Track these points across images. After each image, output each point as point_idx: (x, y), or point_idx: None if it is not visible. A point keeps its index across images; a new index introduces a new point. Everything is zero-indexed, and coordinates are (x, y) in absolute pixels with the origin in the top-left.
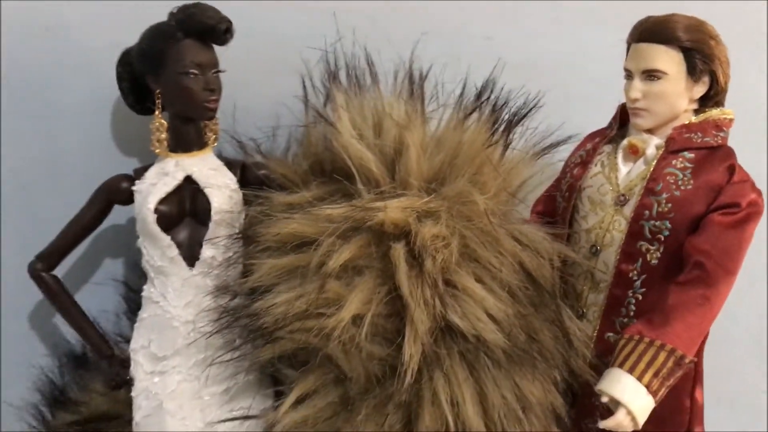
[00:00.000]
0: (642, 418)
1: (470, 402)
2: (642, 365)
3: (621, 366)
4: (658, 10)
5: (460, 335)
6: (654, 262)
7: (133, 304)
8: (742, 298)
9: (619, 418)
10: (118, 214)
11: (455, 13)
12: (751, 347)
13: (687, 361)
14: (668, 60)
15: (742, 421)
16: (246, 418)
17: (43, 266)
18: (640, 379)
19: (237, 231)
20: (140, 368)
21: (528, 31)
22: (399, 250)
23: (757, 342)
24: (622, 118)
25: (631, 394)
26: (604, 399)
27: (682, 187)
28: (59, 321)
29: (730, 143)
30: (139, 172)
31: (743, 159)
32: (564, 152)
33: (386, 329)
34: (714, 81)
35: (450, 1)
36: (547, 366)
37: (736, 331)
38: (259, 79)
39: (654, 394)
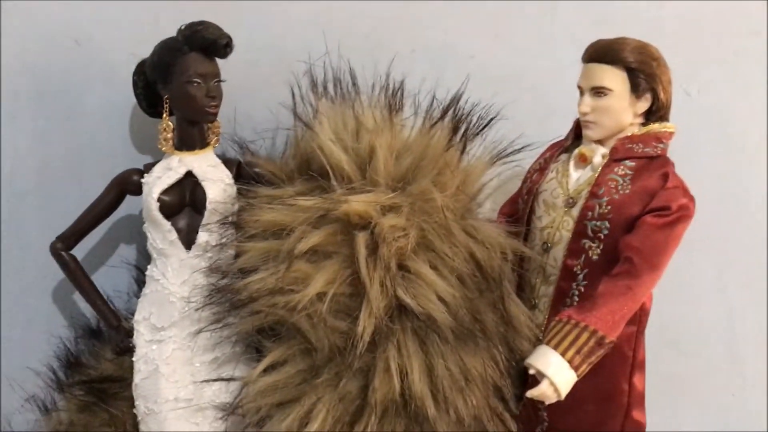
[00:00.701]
0: (564, 390)
1: (418, 372)
2: (566, 343)
3: (548, 343)
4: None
5: (412, 314)
6: (595, 257)
7: (143, 285)
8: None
9: (543, 387)
10: (132, 205)
11: (440, 34)
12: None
13: (607, 341)
14: (613, 78)
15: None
16: (228, 380)
17: (62, 246)
18: (563, 355)
19: (227, 219)
20: (141, 337)
21: (507, 50)
22: (361, 238)
23: None
24: (577, 131)
25: (554, 367)
26: (531, 371)
27: (621, 192)
28: (78, 298)
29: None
30: (148, 167)
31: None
32: (526, 159)
33: (348, 306)
34: (655, 98)
35: (437, 23)
36: (489, 344)
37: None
38: (256, 88)
39: (576, 368)
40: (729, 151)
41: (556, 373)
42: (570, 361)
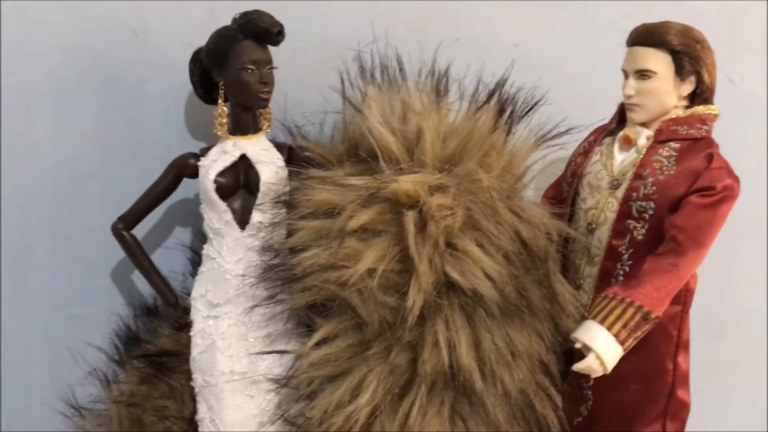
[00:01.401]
0: (610, 363)
1: (465, 346)
2: (612, 318)
3: (594, 318)
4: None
5: (460, 290)
6: (639, 237)
7: (197, 266)
8: None
9: (589, 361)
10: (187, 189)
11: (484, 23)
12: None
13: (653, 316)
14: (658, 61)
15: None
16: (282, 353)
17: (123, 226)
18: (609, 329)
19: (282, 199)
20: (198, 313)
21: (550, 39)
22: (410, 216)
23: None
24: (621, 115)
25: (600, 341)
26: (578, 345)
27: (666, 172)
28: (135, 278)
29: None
30: (204, 151)
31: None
32: (569, 143)
33: (397, 283)
34: (700, 81)
35: (480, 12)
36: (535, 320)
37: None
38: (308, 75)
39: (622, 343)
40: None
41: (603, 347)
42: (616, 335)
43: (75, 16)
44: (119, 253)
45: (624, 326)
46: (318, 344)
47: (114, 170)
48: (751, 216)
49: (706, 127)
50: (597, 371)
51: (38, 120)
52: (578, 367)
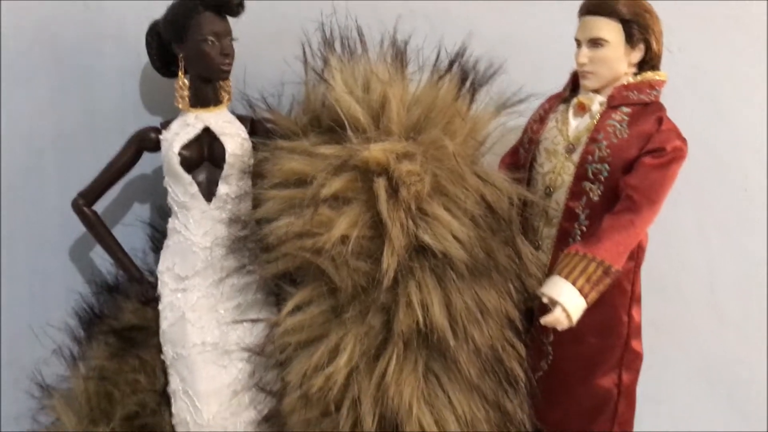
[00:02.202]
0: (575, 316)
1: (437, 305)
2: (576, 273)
3: (559, 274)
4: None
5: (430, 252)
6: (595, 198)
7: (157, 243)
8: None
9: (556, 314)
10: (144, 164)
11: None
12: None
13: (614, 270)
14: (609, 30)
15: None
16: (255, 321)
17: (84, 201)
18: (574, 283)
19: (247, 170)
20: (166, 287)
21: (499, 10)
22: (380, 183)
23: None
24: (574, 82)
25: (566, 295)
26: (545, 300)
27: (619, 136)
28: (95, 255)
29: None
30: (165, 125)
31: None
32: (526, 111)
33: (370, 248)
34: (648, 48)
35: None
36: (502, 279)
37: None
38: (266, 47)
39: (586, 296)
40: (707, 108)
41: (568, 300)
42: (580, 289)
43: None
44: (77, 230)
45: (587, 280)
46: (292, 311)
47: (70, 146)
48: (686, 178)
49: (655, 92)
50: (563, 324)
51: None
52: (546, 320)
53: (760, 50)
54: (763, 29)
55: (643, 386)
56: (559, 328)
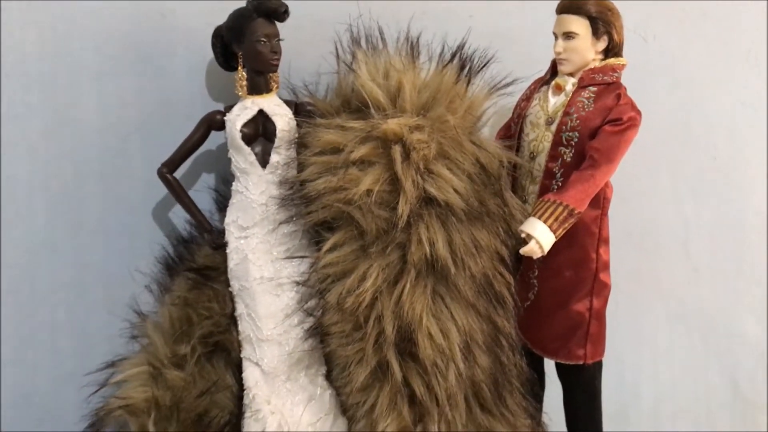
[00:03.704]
0: (546, 246)
1: (441, 242)
2: (547, 214)
3: (534, 215)
4: None
5: (436, 202)
6: (568, 160)
7: (221, 204)
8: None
9: (531, 245)
10: (210, 143)
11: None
12: None
13: (576, 212)
14: (579, 25)
15: None
16: (301, 257)
17: (167, 170)
18: (545, 222)
19: (293, 142)
20: (232, 235)
21: (493, 11)
22: (396, 149)
23: None
24: (553, 68)
25: (539, 231)
26: (523, 235)
27: (587, 110)
28: (172, 215)
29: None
30: (227, 109)
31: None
32: (514, 93)
33: (388, 199)
34: (611, 39)
35: None
36: (492, 222)
37: None
38: (306, 45)
39: (554, 232)
40: (679, 89)
41: (541, 235)
42: (550, 227)
43: (114, 4)
44: (158, 195)
45: (555, 219)
46: (329, 250)
47: (150, 129)
48: (662, 150)
49: (616, 74)
50: (537, 253)
51: (87, 90)
52: (524, 250)
53: (726, 38)
54: (731, 20)
55: (626, 330)
56: (534, 257)
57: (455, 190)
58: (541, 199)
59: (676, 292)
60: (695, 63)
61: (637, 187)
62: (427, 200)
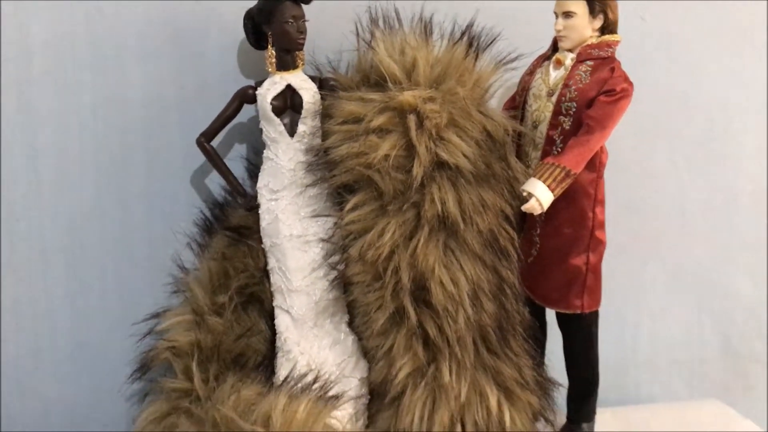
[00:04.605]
0: (546, 204)
1: (452, 201)
2: (546, 175)
3: (535, 176)
4: None
5: (446, 165)
6: (567, 127)
7: (251, 171)
8: None
9: (532, 203)
10: (241, 115)
11: None
12: None
13: (572, 173)
14: (577, 5)
15: None
16: (326, 216)
17: (204, 139)
18: (544, 182)
19: (318, 113)
20: (263, 197)
21: None
22: (411, 118)
23: None
24: (554, 45)
25: (539, 189)
26: (524, 194)
27: (584, 82)
28: (209, 181)
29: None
30: (258, 84)
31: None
32: (519, 68)
33: (404, 163)
34: (606, 17)
35: None
36: (497, 183)
37: None
38: (329, 25)
39: (553, 191)
40: (675, 65)
41: (541, 193)
42: (549, 186)
43: None
44: (195, 164)
45: (553, 180)
46: (351, 210)
47: (188, 104)
48: (660, 120)
49: (611, 50)
50: (537, 210)
51: (130, 69)
52: (525, 207)
53: (719, 15)
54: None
55: (625, 289)
56: (535, 213)
57: (464, 155)
58: (541, 162)
59: (672, 254)
60: (690, 40)
61: (636, 156)
62: (439, 164)
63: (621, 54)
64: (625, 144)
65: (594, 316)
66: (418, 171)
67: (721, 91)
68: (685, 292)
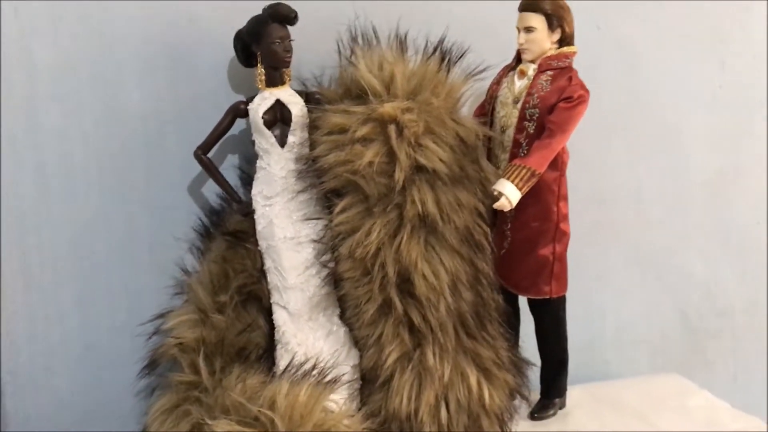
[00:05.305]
0: (515, 201)
1: (430, 202)
2: (513, 175)
3: (504, 176)
4: None
5: (425, 169)
6: (531, 131)
7: (245, 180)
8: None
9: (502, 201)
10: (234, 128)
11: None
12: None
13: (537, 173)
14: (537, 21)
15: None
16: (317, 219)
17: (201, 152)
18: (512, 182)
19: (306, 125)
20: (258, 204)
21: (468, 10)
22: (392, 128)
23: None
24: (518, 57)
25: (508, 189)
26: (495, 193)
27: (545, 90)
28: (204, 190)
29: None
30: (249, 99)
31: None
32: (487, 78)
33: (387, 170)
34: (563, 31)
35: None
36: (471, 184)
37: None
38: (312, 44)
39: (520, 189)
40: (629, 69)
41: (509, 192)
42: (516, 185)
43: (148, 11)
44: (191, 174)
45: (521, 179)
46: (340, 212)
47: (183, 118)
48: (615, 119)
49: (568, 60)
50: (507, 207)
51: (129, 85)
52: (496, 205)
53: (668, 21)
54: (669, 6)
55: (590, 273)
56: (505, 210)
57: (440, 159)
58: (509, 164)
59: (631, 240)
60: (642, 45)
61: (595, 151)
62: (418, 168)
63: (581, 59)
64: (584, 141)
65: (561, 301)
66: (399, 175)
67: (671, 91)
68: (644, 274)
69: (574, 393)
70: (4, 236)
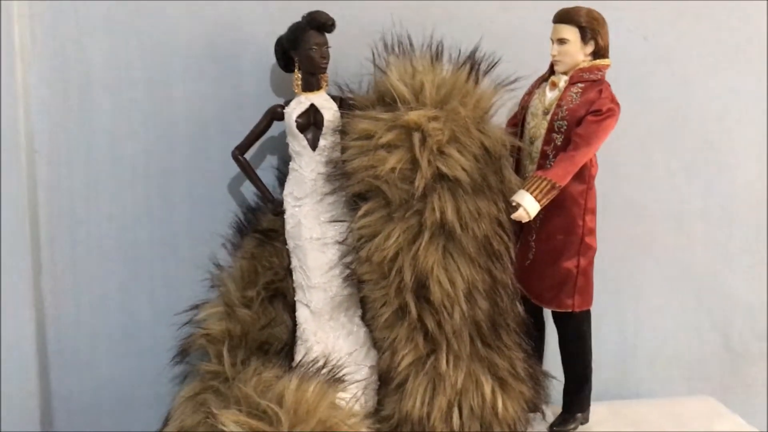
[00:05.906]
0: (532, 213)
1: (450, 210)
2: (533, 187)
3: (524, 188)
4: None
5: (446, 177)
6: (559, 143)
7: (281, 179)
8: None
9: (520, 212)
10: (272, 130)
11: (465, 10)
12: None
13: (558, 185)
14: (570, 33)
15: None
16: (341, 221)
17: (239, 152)
18: (531, 193)
19: (337, 130)
20: (288, 204)
21: (501, 22)
22: (416, 135)
23: None
24: (551, 68)
25: (527, 200)
26: (514, 203)
27: (574, 102)
28: (243, 189)
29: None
30: (286, 103)
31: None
32: (519, 90)
33: (409, 176)
34: (596, 44)
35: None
36: (492, 194)
37: None
38: (349, 51)
39: (539, 201)
40: (673, 81)
41: (528, 204)
42: (535, 197)
43: (195, 19)
44: (231, 173)
45: (540, 191)
46: (362, 216)
47: (225, 120)
48: (658, 133)
49: (600, 73)
50: (524, 218)
51: (176, 88)
52: (514, 216)
53: (716, 33)
54: (718, 20)
55: (625, 289)
56: (522, 221)
57: (462, 168)
58: (531, 176)
59: (669, 257)
60: (689, 57)
61: (636, 166)
62: (440, 176)
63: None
64: (623, 155)
65: (585, 315)
66: (419, 182)
67: (717, 104)
68: (682, 292)
69: (599, 409)
70: (56, 227)
